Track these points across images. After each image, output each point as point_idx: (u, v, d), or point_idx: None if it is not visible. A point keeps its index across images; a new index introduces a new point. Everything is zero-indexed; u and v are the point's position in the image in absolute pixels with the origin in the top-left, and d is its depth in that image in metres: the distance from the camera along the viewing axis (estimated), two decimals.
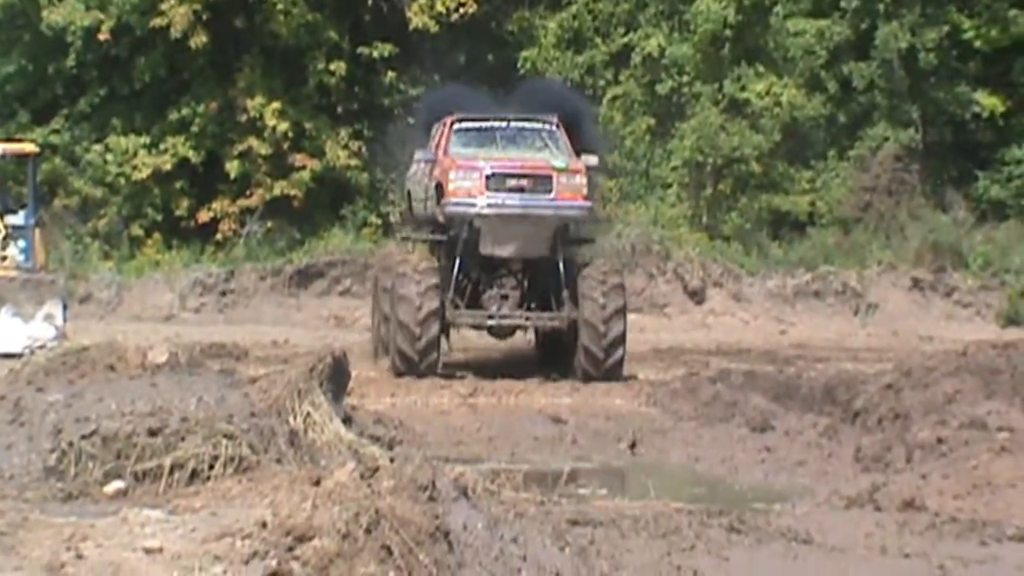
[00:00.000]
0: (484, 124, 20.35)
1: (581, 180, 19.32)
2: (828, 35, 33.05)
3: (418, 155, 20.87)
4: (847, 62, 33.02)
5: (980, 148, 33.17)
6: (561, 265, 19.41)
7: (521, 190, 19.10)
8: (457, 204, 19.12)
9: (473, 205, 18.99)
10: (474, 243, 19.34)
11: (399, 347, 18.89)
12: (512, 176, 19.14)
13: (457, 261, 19.43)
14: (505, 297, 19.77)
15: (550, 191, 19.10)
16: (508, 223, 19.16)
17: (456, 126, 20.17)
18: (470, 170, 19.12)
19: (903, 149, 32.39)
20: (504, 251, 19.52)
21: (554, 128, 20.21)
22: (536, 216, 19.15)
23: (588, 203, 19.57)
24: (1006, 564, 9.14)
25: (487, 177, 19.03)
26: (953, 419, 12.78)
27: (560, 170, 19.22)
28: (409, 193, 21.57)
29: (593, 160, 19.93)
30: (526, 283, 20.21)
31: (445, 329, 19.63)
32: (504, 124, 20.40)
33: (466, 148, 19.83)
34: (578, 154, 19.79)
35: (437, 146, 20.11)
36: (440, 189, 19.34)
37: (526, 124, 20.39)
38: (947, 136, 33.26)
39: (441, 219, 19.73)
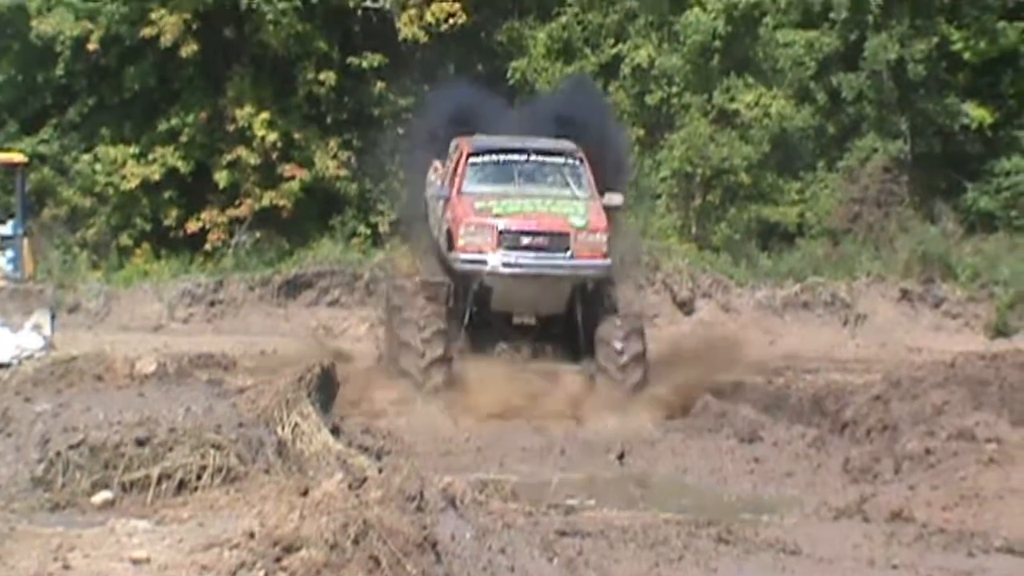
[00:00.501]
0: (502, 157, 18.90)
1: (600, 238, 17.98)
2: (817, 46, 33.04)
3: (432, 190, 19.59)
4: (836, 73, 32.99)
5: (969, 160, 33.12)
6: (580, 317, 18.09)
7: (537, 248, 17.83)
8: (467, 261, 17.85)
9: (484, 263, 17.76)
10: (485, 298, 18.11)
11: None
12: (527, 234, 17.86)
13: (467, 313, 18.13)
14: (517, 350, 18.34)
15: (567, 249, 17.84)
16: (521, 282, 17.89)
17: (472, 160, 18.80)
18: (482, 226, 17.85)
19: (892, 160, 32.37)
20: (517, 309, 18.48)
21: (577, 163, 18.88)
22: (551, 276, 17.91)
23: (607, 261, 18.11)
24: None
25: (500, 233, 17.80)
26: (941, 430, 12.78)
27: (579, 228, 17.93)
28: (426, 203, 20.23)
29: (617, 199, 18.71)
30: (539, 335, 18.74)
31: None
32: (524, 158, 18.91)
33: (481, 185, 18.54)
34: (602, 193, 18.57)
35: (451, 180, 18.75)
36: (451, 237, 18.14)
37: (547, 159, 18.98)
38: (936, 147, 33.21)
39: (452, 266, 18.29)
